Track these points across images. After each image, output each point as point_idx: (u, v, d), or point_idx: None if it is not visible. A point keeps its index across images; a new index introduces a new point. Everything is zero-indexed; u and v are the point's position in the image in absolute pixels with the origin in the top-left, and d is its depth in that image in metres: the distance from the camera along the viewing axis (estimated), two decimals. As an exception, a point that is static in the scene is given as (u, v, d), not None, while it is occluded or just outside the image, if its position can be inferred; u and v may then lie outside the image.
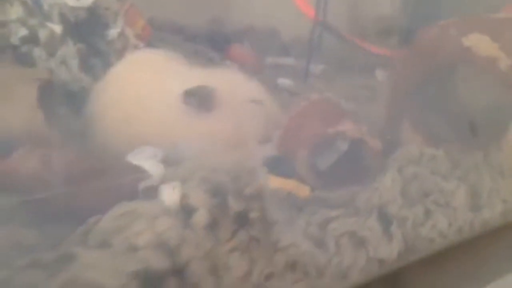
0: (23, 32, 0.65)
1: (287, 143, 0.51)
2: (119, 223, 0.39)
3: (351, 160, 0.50)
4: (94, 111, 0.55)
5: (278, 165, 0.48)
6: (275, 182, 0.49)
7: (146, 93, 0.52)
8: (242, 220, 0.38)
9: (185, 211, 0.36)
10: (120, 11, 0.73)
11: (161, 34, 0.86)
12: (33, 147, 0.50)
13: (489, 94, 0.61)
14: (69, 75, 0.66)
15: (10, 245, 0.42)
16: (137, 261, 0.32)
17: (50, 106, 0.56)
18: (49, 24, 0.66)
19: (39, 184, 0.47)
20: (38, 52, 0.65)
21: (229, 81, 0.60)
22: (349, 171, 0.51)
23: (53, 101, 0.57)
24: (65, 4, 0.68)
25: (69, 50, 0.67)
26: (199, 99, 0.51)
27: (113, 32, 0.72)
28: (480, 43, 0.59)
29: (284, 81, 0.88)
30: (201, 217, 0.35)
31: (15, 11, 0.63)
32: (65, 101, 0.60)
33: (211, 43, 0.89)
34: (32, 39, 0.65)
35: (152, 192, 0.43)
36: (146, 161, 0.47)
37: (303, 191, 0.51)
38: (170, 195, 0.36)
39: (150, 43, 0.75)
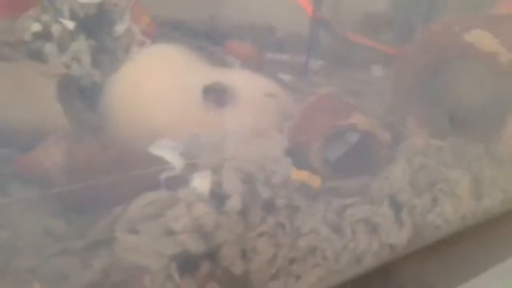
0: (36, 27, 0.66)
1: (299, 135, 0.53)
2: (147, 211, 0.41)
3: (361, 151, 0.53)
4: (112, 104, 0.57)
5: (291, 156, 0.50)
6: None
7: (165, 87, 0.54)
8: (269, 206, 0.40)
9: (218, 198, 0.37)
10: (127, 8, 0.74)
11: (163, 30, 0.87)
12: (56, 140, 0.51)
13: (490, 88, 0.64)
14: (82, 70, 0.67)
15: (42, 233, 0.44)
16: (176, 244, 0.34)
17: (68, 100, 0.58)
18: (62, 20, 0.67)
19: (63, 176, 0.49)
20: (50, 48, 0.66)
21: (242, 77, 0.62)
22: (359, 162, 0.53)
23: (71, 96, 0.59)
24: (76, 1, 0.69)
25: (81, 45, 0.68)
26: (217, 95, 0.53)
27: (120, 28, 0.73)
28: (482, 39, 0.62)
29: (284, 77, 0.90)
30: (234, 204, 0.37)
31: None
32: (81, 95, 0.61)
33: (210, 39, 0.90)
34: (45, 35, 0.66)
35: (174, 182, 0.44)
36: (168, 152, 0.48)
37: (315, 181, 0.53)
38: (201, 183, 0.38)
39: (155, 39, 0.76)
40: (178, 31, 0.92)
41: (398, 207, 0.51)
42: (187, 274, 0.35)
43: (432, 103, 0.65)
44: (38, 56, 0.66)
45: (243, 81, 0.59)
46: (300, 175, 0.53)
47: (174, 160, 0.47)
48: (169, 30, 0.89)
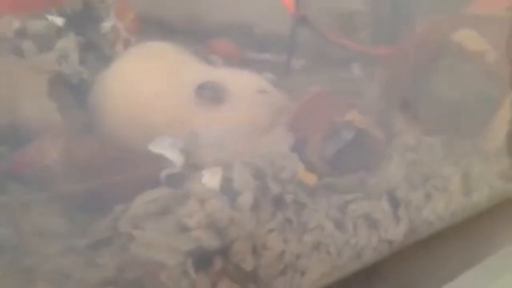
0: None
1: (297, 131, 0.54)
2: (152, 208, 0.41)
3: (358, 148, 0.53)
4: (105, 102, 0.56)
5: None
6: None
7: (159, 84, 0.54)
8: (279, 202, 0.40)
9: (230, 193, 0.37)
10: (113, 4, 0.74)
11: (145, 27, 0.86)
12: (51, 138, 0.50)
13: (477, 86, 0.66)
14: (71, 68, 0.66)
15: (42, 232, 0.43)
16: (191, 240, 0.34)
17: (61, 97, 0.56)
18: (49, 16, 0.66)
19: (60, 174, 0.48)
20: (37, 44, 0.65)
21: (233, 74, 0.62)
22: (356, 158, 0.53)
23: (63, 93, 0.58)
24: (62, -4, 0.68)
25: (70, 42, 0.66)
26: (212, 92, 0.53)
27: (107, 25, 0.72)
28: (469, 38, 0.63)
29: (267, 76, 0.90)
30: (246, 199, 0.37)
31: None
32: (72, 92, 0.60)
33: (193, 37, 0.90)
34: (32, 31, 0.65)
35: (175, 180, 0.44)
36: (167, 150, 0.48)
37: (311, 179, 0.54)
38: (212, 179, 0.38)
39: (139, 36, 0.76)
40: (160, 28, 0.91)
41: (396, 202, 0.52)
42: (201, 270, 0.35)
43: (421, 101, 0.66)
44: (28, 53, 0.64)
45: (234, 78, 0.59)
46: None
47: (175, 157, 0.47)
48: (151, 27, 0.88)
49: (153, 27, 0.90)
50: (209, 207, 0.36)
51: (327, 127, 0.54)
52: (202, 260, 0.35)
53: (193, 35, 0.89)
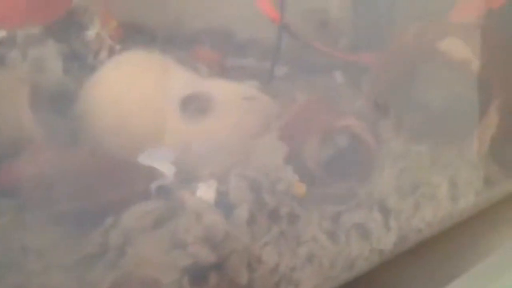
0: (1, 33, 0.63)
1: (291, 138, 0.53)
2: (143, 222, 0.40)
3: (351, 155, 0.53)
4: (90, 112, 0.55)
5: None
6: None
7: (146, 94, 0.53)
8: (275, 215, 0.39)
9: (226, 207, 0.37)
10: (97, 12, 0.73)
11: (128, 35, 0.85)
12: (34, 150, 0.49)
13: (462, 93, 0.66)
14: (53, 77, 0.64)
15: (29, 248, 0.42)
16: (187, 256, 0.33)
17: (41, 109, 0.55)
18: (32, 25, 0.64)
19: (45, 188, 0.47)
20: (16, 54, 0.64)
21: (217, 82, 0.62)
22: (349, 165, 0.53)
23: (44, 104, 0.56)
24: (44, 4, 0.67)
25: (50, 51, 0.65)
26: (197, 104, 0.52)
27: (91, 33, 0.71)
28: (454, 47, 0.64)
29: (252, 83, 0.89)
30: (242, 213, 0.37)
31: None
32: (54, 103, 0.59)
33: (176, 44, 0.89)
34: (9, 40, 0.64)
35: (166, 192, 0.43)
36: (158, 162, 0.47)
37: (300, 189, 0.53)
38: (207, 192, 0.37)
39: (123, 44, 0.75)
40: (143, 36, 0.90)
41: (387, 212, 0.52)
42: (196, 287, 0.34)
43: (408, 109, 0.67)
44: (5, 63, 0.63)
45: (219, 86, 0.59)
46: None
47: (166, 169, 0.46)
48: (135, 34, 0.87)
49: (137, 34, 0.89)
50: (205, 221, 0.36)
51: (322, 133, 0.54)
52: (197, 276, 0.34)
53: (176, 42, 0.88)
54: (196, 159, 0.45)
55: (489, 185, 0.67)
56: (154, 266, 0.33)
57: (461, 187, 0.63)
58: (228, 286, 0.37)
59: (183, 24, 0.99)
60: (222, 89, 0.58)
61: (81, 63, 0.69)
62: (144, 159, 0.47)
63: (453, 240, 0.66)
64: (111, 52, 0.71)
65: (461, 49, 0.64)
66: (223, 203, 0.38)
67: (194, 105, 0.53)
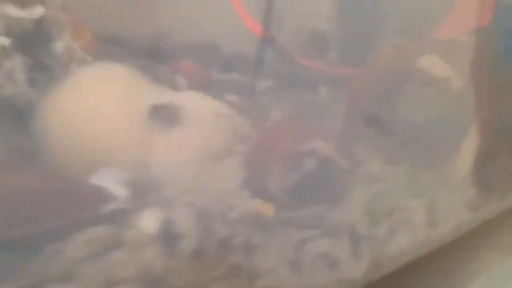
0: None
1: (256, 159, 0.51)
2: (88, 251, 0.37)
3: (320, 178, 0.50)
4: (49, 128, 0.52)
5: (248, 185, 0.47)
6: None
7: (109, 108, 0.50)
8: (226, 246, 0.36)
9: (169, 238, 0.34)
10: (67, 23, 0.70)
11: (103, 47, 0.83)
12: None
13: (443, 114, 0.64)
14: (16, 90, 0.62)
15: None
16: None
17: (3, 122, 0.53)
18: (-4, 37, 0.62)
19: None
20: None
21: (190, 97, 0.59)
22: (317, 189, 0.50)
23: (4, 118, 0.54)
24: (10, 16, 0.64)
25: (16, 63, 0.63)
26: (165, 116, 0.49)
27: (60, 45, 0.69)
28: (434, 64, 0.61)
29: (231, 97, 0.87)
30: (187, 245, 0.34)
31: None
32: (16, 117, 0.56)
33: (154, 57, 0.87)
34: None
35: (117, 217, 0.40)
36: (111, 182, 0.44)
37: (268, 210, 0.51)
38: (150, 221, 0.34)
39: (96, 57, 0.72)
40: (119, 49, 0.87)
41: (357, 239, 0.49)
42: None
43: (385, 128, 0.64)
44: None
45: (191, 101, 0.56)
46: (253, 205, 0.50)
47: (118, 191, 0.43)
48: (110, 47, 0.85)
49: (114, 47, 0.86)
50: (144, 255, 0.32)
51: (291, 154, 0.51)
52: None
53: (157, 55, 0.86)
54: (149, 182, 0.42)
55: (470, 209, 0.65)
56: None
57: (440, 212, 0.60)
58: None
59: (168, 37, 0.96)
60: (194, 103, 0.56)
61: (49, 75, 0.66)
62: (97, 179, 0.44)
63: (431, 267, 0.64)
64: (82, 64, 0.68)
65: (441, 67, 0.61)
66: (167, 234, 0.35)
67: (162, 115, 0.51)
